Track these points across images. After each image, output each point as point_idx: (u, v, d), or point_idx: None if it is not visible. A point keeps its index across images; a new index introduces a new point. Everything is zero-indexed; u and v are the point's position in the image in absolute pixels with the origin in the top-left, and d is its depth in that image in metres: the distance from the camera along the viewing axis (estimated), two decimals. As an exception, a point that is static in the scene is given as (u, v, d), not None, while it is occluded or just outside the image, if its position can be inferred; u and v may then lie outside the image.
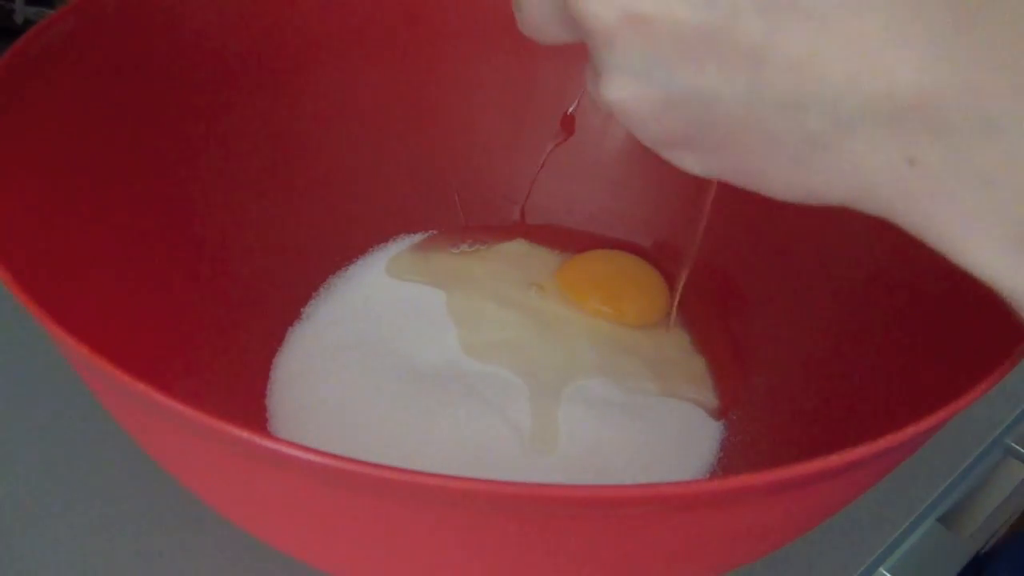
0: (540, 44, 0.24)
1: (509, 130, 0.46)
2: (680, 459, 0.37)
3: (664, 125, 0.21)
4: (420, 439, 0.36)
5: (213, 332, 0.37)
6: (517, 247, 0.46)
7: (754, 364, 0.40)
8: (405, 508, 0.20)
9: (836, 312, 0.37)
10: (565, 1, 0.21)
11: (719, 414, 0.39)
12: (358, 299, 0.43)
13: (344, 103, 0.42)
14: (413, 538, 0.22)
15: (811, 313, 0.38)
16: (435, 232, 0.46)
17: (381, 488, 0.19)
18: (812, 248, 0.39)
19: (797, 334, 0.39)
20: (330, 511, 0.22)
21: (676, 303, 0.41)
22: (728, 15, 0.18)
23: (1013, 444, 0.42)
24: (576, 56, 0.25)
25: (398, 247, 0.45)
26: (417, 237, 0.46)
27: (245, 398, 0.37)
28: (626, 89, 0.21)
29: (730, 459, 0.37)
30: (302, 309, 0.42)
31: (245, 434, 0.18)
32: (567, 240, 0.47)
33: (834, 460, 0.19)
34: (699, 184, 0.33)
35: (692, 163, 0.22)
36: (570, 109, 0.43)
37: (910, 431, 0.20)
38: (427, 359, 0.40)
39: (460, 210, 0.47)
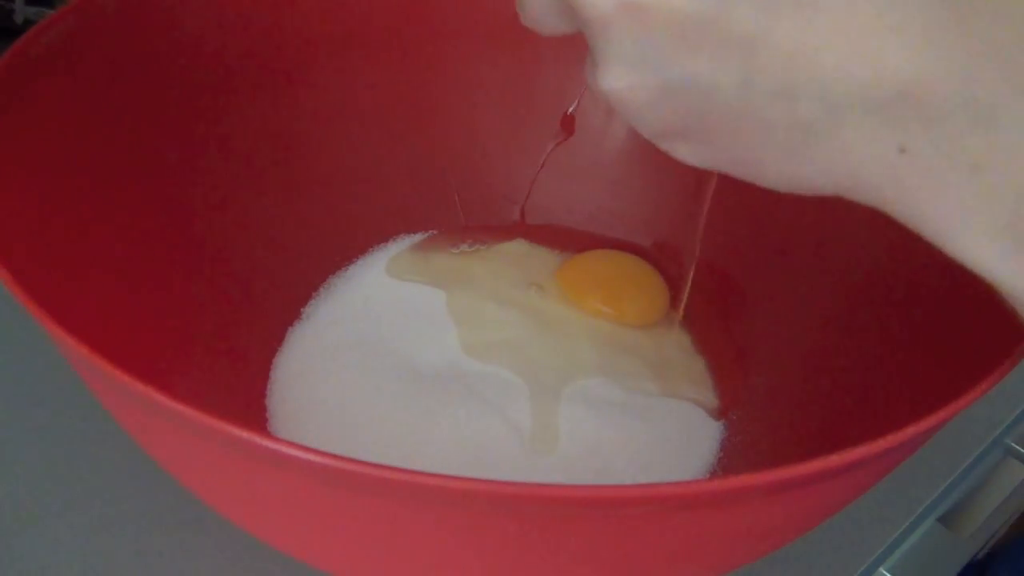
0: (541, 36, 0.24)
1: (509, 130, 0.46)
2: (680, 459, 0.37)
3: (660, 114, 0.21)
4: (420, 439, 0.36)
5: (213, 332, 0.37)
6: (517, 247, 0.46)
7: (754, 364, 0.40)
8: (405, 508, 0.20)
9: (836, 312, 0.37)
10: None
11: (719, 414, 0.39)
12: (358, 299, 0.43)
13: (344, 103, 0.42)
14: (413, 538, 0.22)
15: (811, 313, 0.38)
16: (435, 232, 0.46)
17: (381, 488, 0.19)
18: (812, 248, 0.39)
19: (797, 334, 0.39)
20: (330, 511, 0.22)
21: (684, 302, 0.41)
22: (721, 4, 0.19)
23: (1013, 444, 0.42)
24: (576, 56, 0.25)
25: (398, 247, 0.45)
26: (417, 237, 0.46)
27: (245, 398, 0.37)
28: (622, 78, 0.21)
29: (730, 459, 0.37)
30: (302, 309, 0.42)
31: (245, 434, 0.18)
32: (567, 240, 0.47)
33: (834, 460, 0.19)
34: (699, 180, 0.33)
35: (689, 153, 0.22)
36: (570, 109, 0.43)
37: (910, 431, 0.20)
38: (427, 359, 0.40)
39: (460, 210, 0.47)
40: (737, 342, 0.42)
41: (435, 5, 0.43)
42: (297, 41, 0.40)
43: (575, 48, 0.24)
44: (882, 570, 0.37)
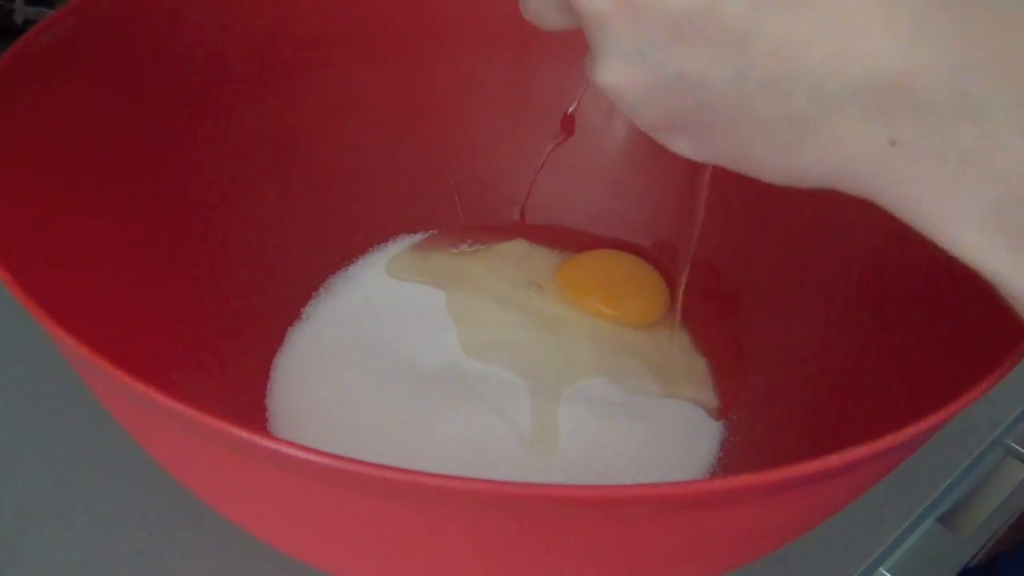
0: (541, 36, 0.24)
1: (509, 130, 0.46)
2: (680, 459, 0.37)
3: (657, 108, 0.22)
4: (420, 439, 0.36)
5: (213, 332, 0.37)
6: (517, 247, 0.46)
7: (754, 364, 0.40)
8: (405, 508, 0.20)
9: (836, 312, 0.37)
10: None
11: (719, 414, 0.39)
12: (358, 299, 0.43)
13: (344, 103, 0.42)
14: (413, 538, 0.22)
15: (811, 313, 0.38)
16: (435, 232, 0.46)
17: (381, 488, 0.19)
18: (812, 248, 0.39)
19: (797, 334, 0.39)
20: (330, 511, 0.22)
21: (680, 300, 0.41)
22: None
23: (1013, 444, 0.42)
24: (576, 57, 0.25)
25: (398, 247, 0.45)
26: (417, 237, 0.46)
27: (245, 398, 0.37)
28: (619, 72, 0.21)
29: (730, 459, 0.37)
30: (302, 309, 0.42)
31: (245, 434, 0.18)
32: (567, 240, 0.47)
33: (834, 460, 0.19)
34: (694, 174, 0.33)
35: (685, 147, 0.23)
36: (570, 109, 0.43)
37: (910, 431, 0.20)
38: (427, 359, 0.40)
39: (460, 210, 0.47)
40: (737, 342, 0.42)
41: (435, 5, 0.43)
42: (297, 41, 0.40)
43: (575, 48, 0.24)
44: (882, 570, 0.37)
